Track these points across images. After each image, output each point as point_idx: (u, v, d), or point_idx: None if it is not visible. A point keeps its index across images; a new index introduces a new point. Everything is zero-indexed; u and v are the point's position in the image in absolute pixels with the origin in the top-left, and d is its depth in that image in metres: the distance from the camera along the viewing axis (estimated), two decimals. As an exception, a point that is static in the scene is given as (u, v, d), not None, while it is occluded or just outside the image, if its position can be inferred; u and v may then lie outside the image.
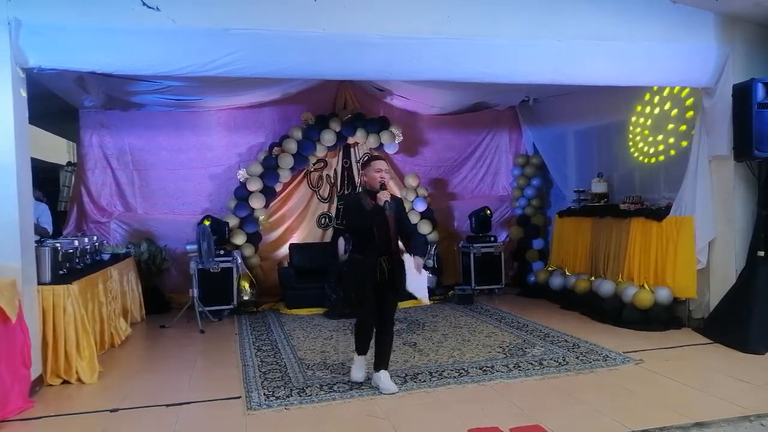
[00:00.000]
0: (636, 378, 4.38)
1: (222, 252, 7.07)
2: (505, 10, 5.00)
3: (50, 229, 6.13)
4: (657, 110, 6.51)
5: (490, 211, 8.35)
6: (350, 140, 8.18)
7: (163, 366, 5.08)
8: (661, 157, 6.51)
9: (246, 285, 7.33)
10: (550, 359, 4.86)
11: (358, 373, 4.38)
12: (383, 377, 4.19)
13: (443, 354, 5.11)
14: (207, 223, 7.01)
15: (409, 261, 4.15)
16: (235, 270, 7.12)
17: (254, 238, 7.73)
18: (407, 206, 8.07)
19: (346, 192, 8.42)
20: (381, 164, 4.22)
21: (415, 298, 4.61)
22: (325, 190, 8.37)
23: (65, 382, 4.51)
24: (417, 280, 4.18)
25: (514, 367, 4.67)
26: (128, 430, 3.69)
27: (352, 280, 4.51)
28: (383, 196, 4.08)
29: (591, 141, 7.87)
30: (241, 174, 7.67)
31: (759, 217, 5.51)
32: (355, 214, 4.23)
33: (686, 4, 5.34)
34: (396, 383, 4.25)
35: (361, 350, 4.36)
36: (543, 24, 5.04)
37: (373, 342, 4.32)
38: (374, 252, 4.10)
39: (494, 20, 4.97)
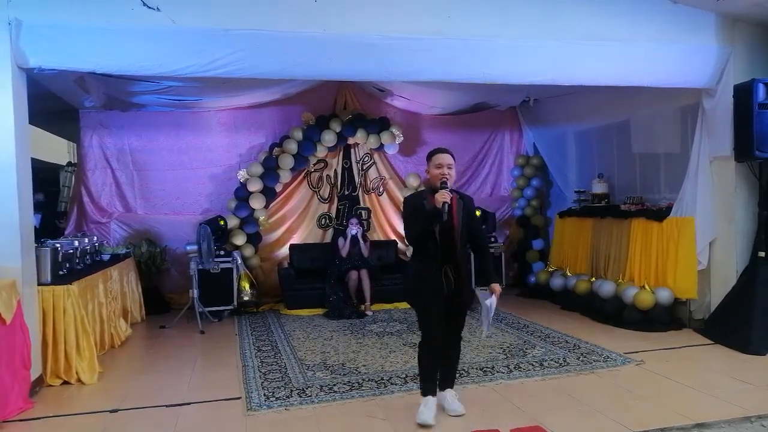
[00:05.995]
0: (637, 379, 4.38)
1: (222, 252, 7.07)
2: (506, 10, 5.01)
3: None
4: (657, 110, 6.50)
5: (479, 211, 8.24)
6: (350, 141, 8.17)
7: (163, 366, 5.07)
8: (662, 158, 6.51)
9: (246, 285, 7.32)
10: (551, 360, 4.85)
11: (427, 414, 3.54)
12: (449, 397, 3.74)
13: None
14: (221, 222, 7.03)
15: (488, 302, 3.57)
16: (235, 270, 7.11)
17: (254, 239, 7.72)
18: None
19: (345, 192, 8.42)
20: (444, 158, 3.53)
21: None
22: (325, 191, 8.37)
23: (65, 382, 4.51)
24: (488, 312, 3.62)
25: (514, 368, 4.67)
26: (128, 431, 3.68)
27: (412, 294, 3.77)
28: (441, 197, 3.37)
29: (591, 141, 7.87)
30: (242, 174, 7.66)
31: (760, 217, 5.50)
32: (413, 215, 3.55)
33: (687, 4, 5.34)
34: (396, 383, 4.22)
35: (428, 387, 3.63)
36: (543, 24, 5.04)
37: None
38: (436, 260, 3.49)
39: (495, 21, 4.98)
